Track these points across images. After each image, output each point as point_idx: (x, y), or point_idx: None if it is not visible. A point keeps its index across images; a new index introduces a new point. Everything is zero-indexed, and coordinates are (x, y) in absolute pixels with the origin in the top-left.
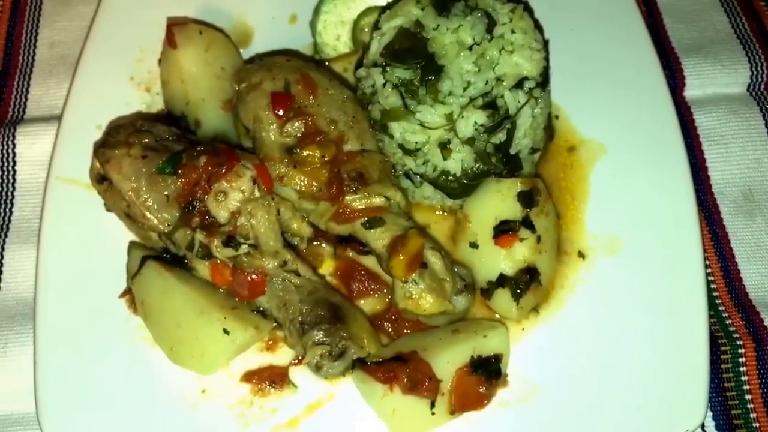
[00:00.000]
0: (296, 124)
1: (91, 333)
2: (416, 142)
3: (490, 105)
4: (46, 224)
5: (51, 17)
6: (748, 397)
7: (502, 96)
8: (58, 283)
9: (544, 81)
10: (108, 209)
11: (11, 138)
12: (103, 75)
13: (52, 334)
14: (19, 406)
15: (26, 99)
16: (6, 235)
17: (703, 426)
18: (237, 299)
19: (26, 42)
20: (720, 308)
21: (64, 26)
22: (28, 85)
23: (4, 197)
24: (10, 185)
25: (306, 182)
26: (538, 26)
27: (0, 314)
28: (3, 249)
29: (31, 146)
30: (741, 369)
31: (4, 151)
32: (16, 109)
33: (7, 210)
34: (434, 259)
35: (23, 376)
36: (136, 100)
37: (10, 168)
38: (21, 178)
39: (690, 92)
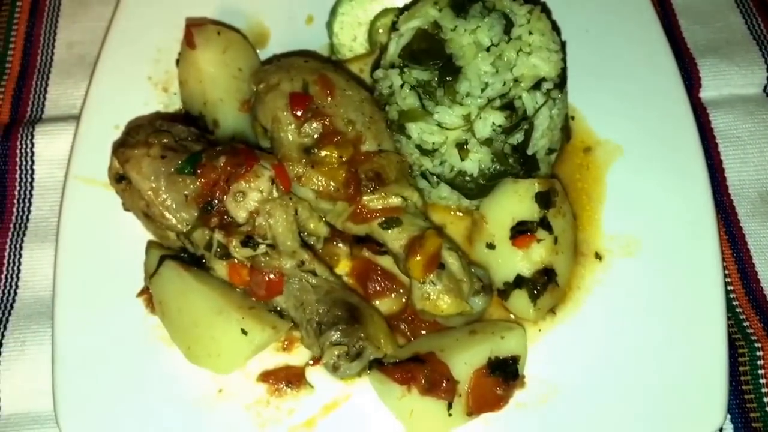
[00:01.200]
0: (314, 125)
1: (108, 332)
2: (434, 143)
3: (508, 106)
4: (65, 223)
5: (69, 18)
6: (766, 400)
7: (520, 97)
8: (76, 281)
9: (561, 82)
10: (126, 209)
11: (30, 137)
12: (121, 75)
13: (70, 333)
14: (36, 405)
15: (44, 99)
16: (24, 234)
17: (721, 430)
18: (254, 299)
19: (45, 42)
20: (737, 310)
21: (82, 27)
22: (47, 84)
23: (22, 196)
24: (28, 184)
25: (323, 182)
26: (555, 28)
27: (18, 313)
28: (21, 248)
29: (49, 145)
30: (759, 372)
31: (23, 150)
32: (34, 109)
33: (26, 209)
34: (452, 260)
35: (41, 375)
36: (153, 99)
37: (28, 167)
38: (39, 177)
39: (706, 93)
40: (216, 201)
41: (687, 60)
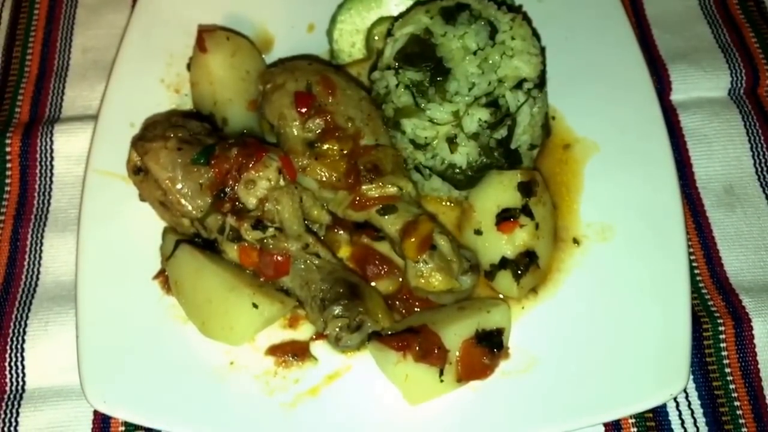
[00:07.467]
0: (317, 121)
1: (127, 312)
2: (426, 137)
3: (493, 104)
4: (85, 213)
5: (84, 25)
6: (728, 370)
7: (504, 96)
8: (96, 266)
9: (541, 83)
10: (142, 199)
11: (49, 135)
12: (136, 77)
13: (92, 315)
14: (58, 380)
15: (62, 100)
16: (45, 224)
17: (686, 393)
18: (263, 279)
19: (61, 48)
20: (703, 291)
21: (96, 33)
22: (64, 87)
23: (42, 189)
24: (48, 179)
25: (326, 173)
26: (535, 34)
27: (41, 296)
28: (42, 237)
29: (67, 143)
30: (721, 345)
31: (43, 148)
32: (52, 109)
33: (46, 201)
34: (442, 242)
35: (64, 353)
36: (165, 100)
37: (48, 163)
38: (58, 172)
39: (676, 96)
40: (228, 189)
41: (659, 66)
